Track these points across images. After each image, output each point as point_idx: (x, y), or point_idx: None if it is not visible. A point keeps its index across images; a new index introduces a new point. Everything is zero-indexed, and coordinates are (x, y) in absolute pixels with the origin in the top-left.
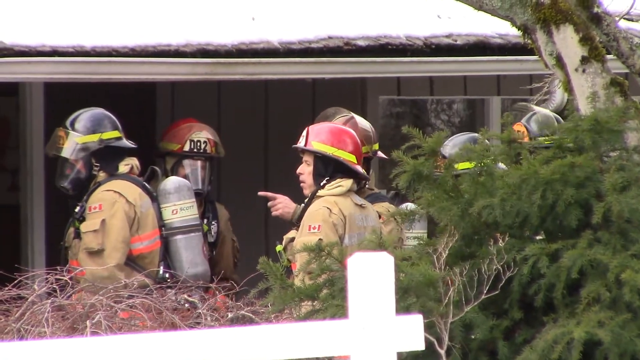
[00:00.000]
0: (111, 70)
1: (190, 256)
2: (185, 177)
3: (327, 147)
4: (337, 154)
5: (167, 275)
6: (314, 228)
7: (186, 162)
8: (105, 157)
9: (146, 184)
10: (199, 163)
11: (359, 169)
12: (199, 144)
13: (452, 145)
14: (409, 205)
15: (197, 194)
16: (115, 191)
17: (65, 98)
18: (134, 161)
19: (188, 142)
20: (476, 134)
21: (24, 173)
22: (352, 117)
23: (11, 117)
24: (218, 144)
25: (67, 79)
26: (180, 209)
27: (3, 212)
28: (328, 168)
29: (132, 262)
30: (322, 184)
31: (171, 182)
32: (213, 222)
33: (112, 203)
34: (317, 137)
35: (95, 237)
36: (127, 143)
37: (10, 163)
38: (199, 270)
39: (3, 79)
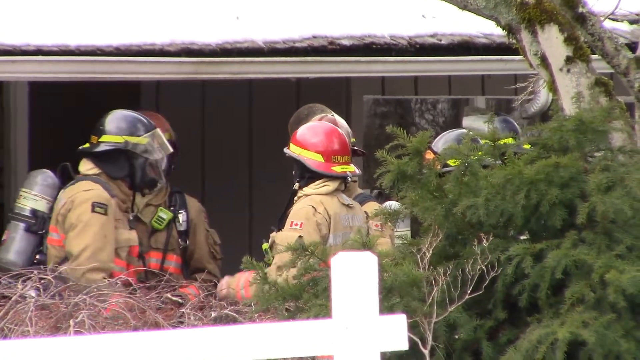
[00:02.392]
0: (95, 70)
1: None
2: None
3: (293, 147)
4: (300, 154)
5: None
6: (296, 225)
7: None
8: None
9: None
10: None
11: (325, 168)
12: None
13: (444, 141)
14: (393, 204)
15: (154, 183)
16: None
17: (49, 97)
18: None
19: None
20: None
21: (7, 172)
22: (328, 115)
23: None
24: (170, 131)
25: (51, 78)
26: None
27: None
28: (296, 168)
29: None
30: (300, 185)
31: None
32: (181, 211)
33: None
34: (291, 139)
35: None
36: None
37: None
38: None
39: None
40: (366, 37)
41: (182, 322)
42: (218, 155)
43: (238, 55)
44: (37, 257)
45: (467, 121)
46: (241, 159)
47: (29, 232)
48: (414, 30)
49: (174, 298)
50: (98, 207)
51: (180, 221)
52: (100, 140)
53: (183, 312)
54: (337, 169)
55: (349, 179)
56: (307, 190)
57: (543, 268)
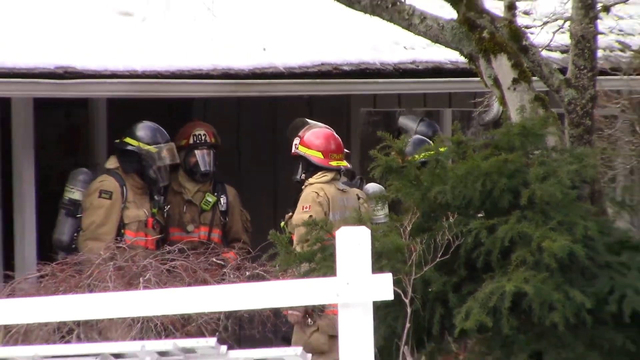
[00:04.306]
0: (157, 89)
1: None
2: (195, 163)
3: (301, 148)
4: (305, 152)
5: None
6: (306, 208)
7: (193, 151)
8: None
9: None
10: (204, 151)
11: (325, 162)
12: (200, 137)
13: (410, 143)
14: (370, 187)
15: (206, 175)
16: None
17: (123, 112)
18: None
19: (192, 137)
20: (422, 136)
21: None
22: (312, 124)
23: (81, 125)
24: (215, 135)
25: (123, 96)
26: (66, 190)
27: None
28: (303, 164)
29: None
30: (305, 175)
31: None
32: (222, 196)
33: None
34: (300, 142)
35: None
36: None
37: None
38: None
39: (76, 96)
40: (361, 64)
41: (223, 279)
42: (249, 154)
43: (265, 77)
44: (76, 235)
45: (402, 119)
46: (267, 158)
47: (68, 216)
48: (398, 58)
49: (218, 261)
50: (104, 194)
51: (222, 203)
52: (124, 140)
53: (225, 272)
54: (334, 163)
55: (342, 170)
56: (311, 180)
57: (495, 238)
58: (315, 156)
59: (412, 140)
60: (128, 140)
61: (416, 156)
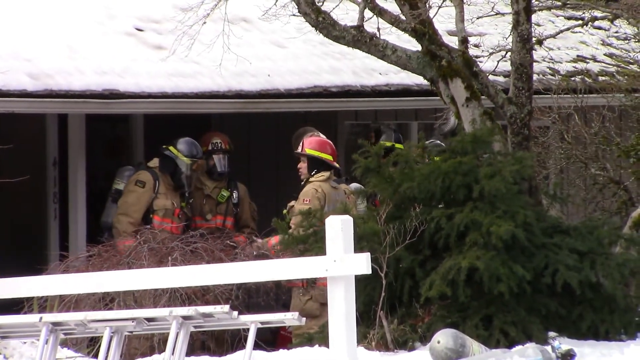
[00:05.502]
0: (184, 107)
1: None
2: (213, 165)
3: (315, 152)
4: (322, 156)
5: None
6: (306, 200)
7: (212, 156)
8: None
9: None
10: (220, 156)
11: (335, 164)
12: (217, 144)
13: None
14: (354, 185)
15: (222, 174)
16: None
17: (157, 125)
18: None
19: (210, 144)
20: (438, 141)
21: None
22: (314, 132)
23: (123, 136)
24: (229, 143)
25: (157, 112)
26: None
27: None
28: (316, 164)
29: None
30: (312, 173)
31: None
32: (234, 191)
33: None
34: (309, 146)
35: None
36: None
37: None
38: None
39: (119, 113)
40: (346, 87)
41: (235, 258)
42: (257, 158)
43: (269, 97)
44: None
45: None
46: (271, 161)
47: (114, 202)
48: (375, 82)
49: (231, 243)
50: (139, 183)
51: (234, 197)
52: (169, 147)
53: (236, 252)
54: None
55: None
56: (311, 179)
57: (452, 224)
58: (326, 158)
59: (430, 145)
60: (171, 148)
61: (438, 159)
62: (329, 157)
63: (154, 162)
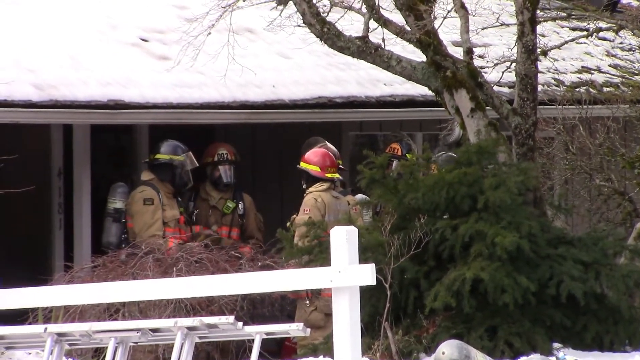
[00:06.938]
0: (188, 117)
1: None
2: (219, 176)
3: (304, 164)
4: (309, 168)
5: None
6: (306, 210)
7: (218, 167)
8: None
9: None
10: (226, 167)
11: (324, 176)
12: (223, 155)
13: (442, 160)
14: (360, 195)
15: (227, 185)
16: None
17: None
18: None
19: (216, 155)
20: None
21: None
22: (325, 143)
23: (128, 146)
24: (235, 154)
25: (162, 123)
26: (109, 202)
27: None
28: (307, 176)
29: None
30: (305, 186)
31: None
32: (240, 202)
33: None
34: (304, 158)
35: None
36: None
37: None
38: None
39: (124, 123)
40: (350, 97)
41: (240, 269)
42: (262, 169)
43: (274, 108)
44: (123, 236)
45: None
46: (275, 172)
47: (115, 222)
48: (379, 93)
49: (236, 254)
50: (147, 201)
51: (240, 208)
52: (155, 157)
53: (241, 262)
54: (329, 175)
55: (336, 182)
56: (311, 189)
57: (457, 235)
58: (313, 170)
59: (443, 158)
60: (159, 156)
61: (443, 170)
62: (316, 169)
63: (147, 176)
